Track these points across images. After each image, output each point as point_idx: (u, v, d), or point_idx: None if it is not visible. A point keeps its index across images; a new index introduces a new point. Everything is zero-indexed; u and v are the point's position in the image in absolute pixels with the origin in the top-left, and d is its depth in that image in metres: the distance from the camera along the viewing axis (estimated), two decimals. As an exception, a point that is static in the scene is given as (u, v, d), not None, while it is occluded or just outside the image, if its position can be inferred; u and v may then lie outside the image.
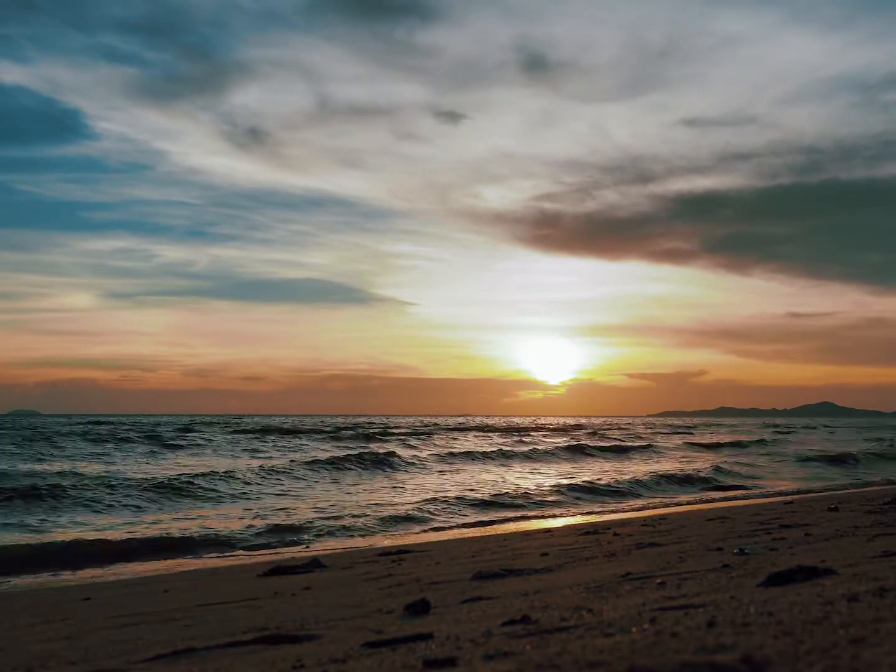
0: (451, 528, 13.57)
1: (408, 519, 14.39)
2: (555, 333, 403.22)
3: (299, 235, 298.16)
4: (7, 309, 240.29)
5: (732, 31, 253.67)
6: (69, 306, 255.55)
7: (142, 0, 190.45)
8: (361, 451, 30.86)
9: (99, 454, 30.88)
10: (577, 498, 18.64)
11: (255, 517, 14.53)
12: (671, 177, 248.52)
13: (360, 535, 12.59)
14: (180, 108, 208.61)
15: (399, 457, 28.81)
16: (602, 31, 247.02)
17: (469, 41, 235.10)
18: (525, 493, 18.79)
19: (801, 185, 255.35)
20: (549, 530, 10.58)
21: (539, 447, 38.44)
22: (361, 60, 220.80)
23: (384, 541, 11.87)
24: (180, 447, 35.97)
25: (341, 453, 29.59)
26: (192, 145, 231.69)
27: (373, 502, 16.77)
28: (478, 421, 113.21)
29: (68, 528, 13.43)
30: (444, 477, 24.10)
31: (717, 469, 25.92)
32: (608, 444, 41.23)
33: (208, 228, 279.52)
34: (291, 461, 26.08)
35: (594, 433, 58.89)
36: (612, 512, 15.45)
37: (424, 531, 13.19)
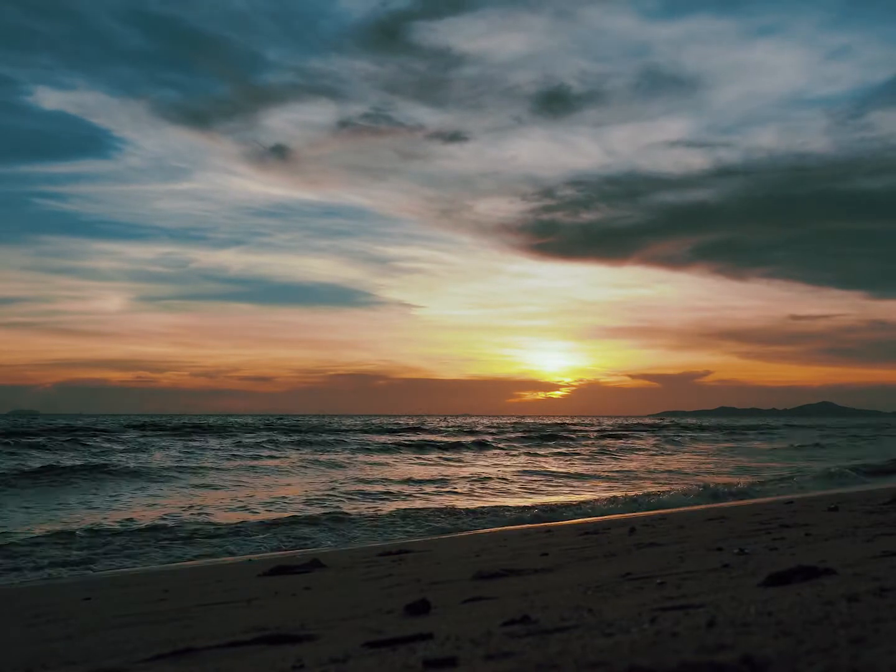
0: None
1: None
2: (557, 336, 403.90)
3: (313, 243, 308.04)
4: (38, 311, 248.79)
5: (721, 55, 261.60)
6: (99, 309, 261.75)
7: (176, 30, 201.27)
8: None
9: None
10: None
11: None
12: (665, 190, 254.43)
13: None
14: (212, 128, 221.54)
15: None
16: (604, 65, 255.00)
17: (487, 74, 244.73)
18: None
19: (793, 195, 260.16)
20: (549, 530, 10.58)
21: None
22: (383, 88, 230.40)
23: (384, 541, 11.87)
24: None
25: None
26: (221, 162, 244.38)
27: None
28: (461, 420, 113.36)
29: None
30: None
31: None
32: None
33: (234, 237, 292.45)
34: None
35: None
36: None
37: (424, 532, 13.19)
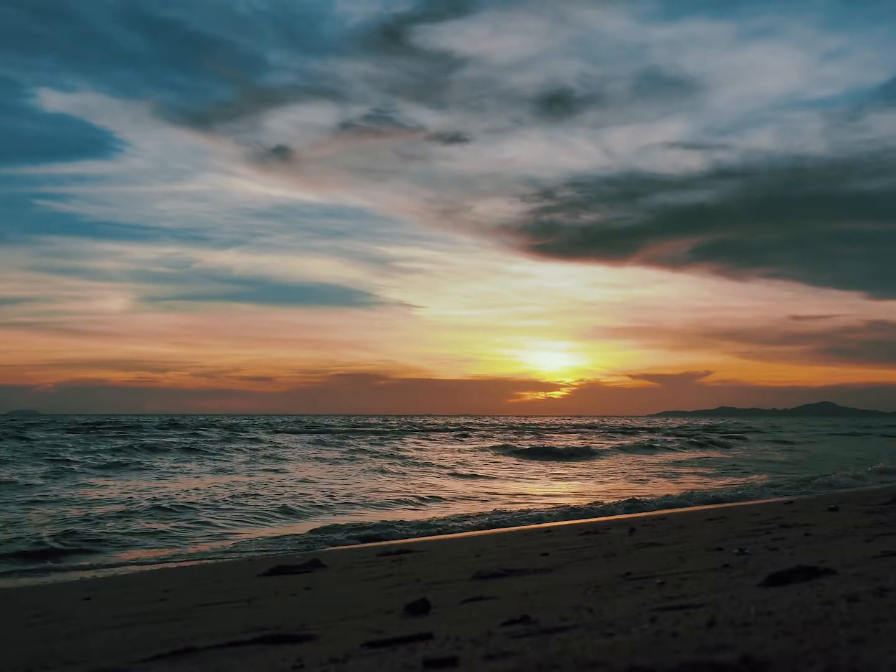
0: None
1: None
2: (557, 336, 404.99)
3: (313, 243, 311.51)
4: (40, 311, 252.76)
5: (718, 57, 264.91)
6: (101, 309, 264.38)
7: (178, 32, 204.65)
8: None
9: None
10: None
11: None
12: (664, 192, 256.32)
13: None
14: (213, 130, 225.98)
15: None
16: (603, 67, 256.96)
17: (488, 76, 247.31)
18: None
19: (792, 197, 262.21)
20: (548, 530, 10.58)
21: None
22: (384, 90, 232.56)
23: (384, 541, 11.87)
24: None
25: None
26: (223, 164, 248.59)
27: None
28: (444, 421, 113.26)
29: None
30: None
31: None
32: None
33: (236, 238, 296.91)
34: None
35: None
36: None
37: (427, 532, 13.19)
